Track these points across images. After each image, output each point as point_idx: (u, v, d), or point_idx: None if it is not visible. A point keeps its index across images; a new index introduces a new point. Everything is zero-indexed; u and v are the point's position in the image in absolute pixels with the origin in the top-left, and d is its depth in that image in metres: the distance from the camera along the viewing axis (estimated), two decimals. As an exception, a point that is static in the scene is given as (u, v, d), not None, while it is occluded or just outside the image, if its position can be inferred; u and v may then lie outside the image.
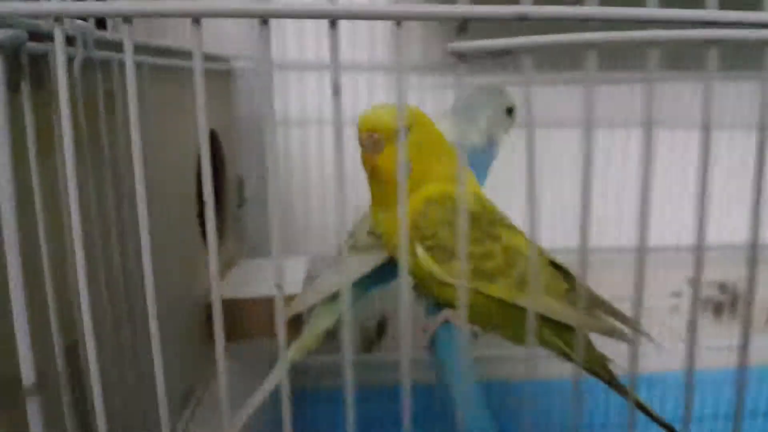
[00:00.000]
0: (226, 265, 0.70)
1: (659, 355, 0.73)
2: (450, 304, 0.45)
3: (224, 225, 0.71)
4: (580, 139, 0.25)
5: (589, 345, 0.46)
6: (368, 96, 0.82)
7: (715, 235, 0.85)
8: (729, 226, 0.88)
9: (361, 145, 0.44)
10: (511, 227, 0.46)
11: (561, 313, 0.43)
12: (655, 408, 0.47)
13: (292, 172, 0.83)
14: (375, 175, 0.45)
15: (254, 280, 0.67)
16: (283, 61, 0.80)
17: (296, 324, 0.60)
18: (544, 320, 0.44)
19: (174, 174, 0.52)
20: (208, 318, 0.60)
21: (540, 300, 0.43)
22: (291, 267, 0.70)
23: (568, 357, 0.46)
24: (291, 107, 0.82)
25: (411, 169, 0.44)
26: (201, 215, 0.61)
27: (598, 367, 0.47)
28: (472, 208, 0.45)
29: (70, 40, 0.32)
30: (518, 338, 0.46)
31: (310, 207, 0.84)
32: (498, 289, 0.43)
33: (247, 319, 0.61)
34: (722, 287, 0.99)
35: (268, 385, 0.52)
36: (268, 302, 0.62)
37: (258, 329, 0.61)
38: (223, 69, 0.73)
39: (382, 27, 0.81)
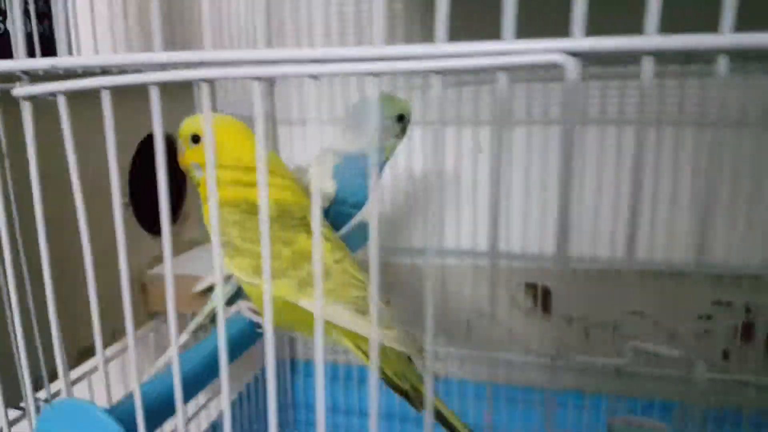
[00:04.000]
0: (182, 248, 0.75)
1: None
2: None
3: (181, 209, 0.76)
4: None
5: (394, 354, 0.46)
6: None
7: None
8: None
9: None
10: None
11: (340, 316, 0.45)
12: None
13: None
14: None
15: (193, 262, 0.74)
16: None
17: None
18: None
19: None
20: (142, 290, 0.74)
21: (325, 303, 0.45)
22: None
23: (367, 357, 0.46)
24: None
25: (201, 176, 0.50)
26: (134, 201, 0.67)
27: (400, 380, 0.47)
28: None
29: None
30: (309, 334, 0.45)
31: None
32: (276, 287, 0.45)
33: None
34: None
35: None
36: (184, 280, 0.69)
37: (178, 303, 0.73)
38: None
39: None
